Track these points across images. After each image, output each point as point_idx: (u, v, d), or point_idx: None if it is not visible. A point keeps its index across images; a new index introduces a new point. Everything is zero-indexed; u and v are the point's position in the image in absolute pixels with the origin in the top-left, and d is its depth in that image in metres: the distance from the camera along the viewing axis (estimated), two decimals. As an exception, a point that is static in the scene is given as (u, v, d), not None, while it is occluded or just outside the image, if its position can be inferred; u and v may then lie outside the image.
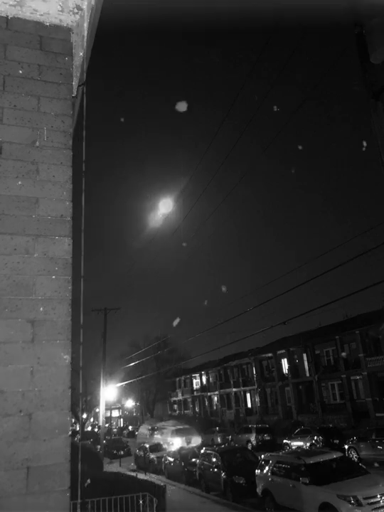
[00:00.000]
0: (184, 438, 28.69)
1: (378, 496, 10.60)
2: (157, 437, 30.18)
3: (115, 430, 61.41)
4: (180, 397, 65.79)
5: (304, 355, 42.89)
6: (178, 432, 29.68)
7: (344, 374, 38.04)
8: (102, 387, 30.74)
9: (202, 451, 19.54)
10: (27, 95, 2.03)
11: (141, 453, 27.45)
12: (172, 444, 27.63)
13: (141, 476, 18.86)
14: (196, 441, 29.14)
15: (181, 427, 31.86)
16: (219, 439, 34.62)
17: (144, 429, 35.11)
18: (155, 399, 61.52)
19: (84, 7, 2.11)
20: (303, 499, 11.71)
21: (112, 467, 26.88)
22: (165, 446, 27.35)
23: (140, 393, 62.45)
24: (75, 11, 2.15)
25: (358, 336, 36.78)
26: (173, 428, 30.78)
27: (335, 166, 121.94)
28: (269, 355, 47.11)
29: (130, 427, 62.56)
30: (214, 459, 17.46)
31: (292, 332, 46.72)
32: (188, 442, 28.02)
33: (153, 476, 22.62)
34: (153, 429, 32.45)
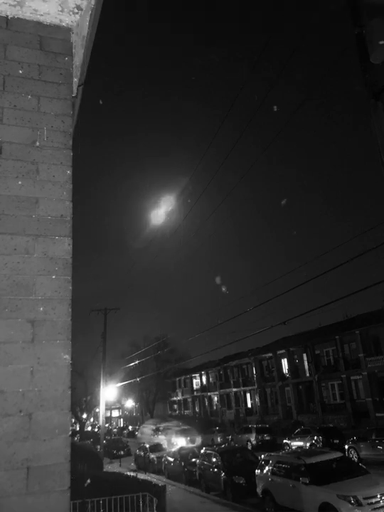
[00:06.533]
0: (188, 438, 30.98)
1: (378, 496, 10.60)
2: (161, 438, 30.84)
3: (115, 430, 61.38)
4: (180, 397, 65.77)
5: (304, 355, 42.89)
6: (182, 433, 31.81)
7: (344, 374, 38.04)
8: (102, 387, 30.74)
9: (202, 451, 19.54)
10: (27, 95, 2.03)
11: (141, 453, 27.49)
12: (176, 443, 28.73)
13: (141, 476, 18.85)
14: (198, 440, 31.36)
15: (186, 427, 33.99)
16: (219, 439, 34.64)
17: (147, 429, 35.91)
18: (155, 399, 61.50)
19: (84, 7, 2.11)
20: (303, 499, 11.71)
21: (112, 467, 26.90)
22: (165, 446, 27.84)
23: (140, 393, 62.43)
24: (75, 11, 2.14)
25: (357, 336, 36.77)
26: (178, 429, 32.77)
27: (335, 166, 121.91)
28: (269, 355, 47.09)
29: (130, 427, 62.55)
30: (214, 459, 17.46)
31: (292, 332, 46.79)
32: (193, 442, 30.26)
33: (153, 476, 22.62)
34: (157, 430, 33.60)
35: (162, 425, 34.95)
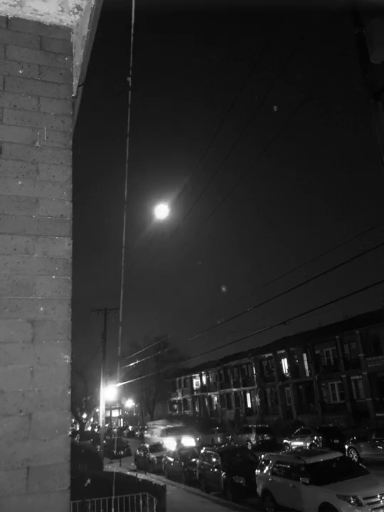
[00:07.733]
0: (198, 438, 34.02)
1: (378, 496, 10.59)
2: (170, 438, 32.02)
3: (115, 430, 61.34)
4: (180, 397, 65.76)
5: (304, 355, 42.88)
6: (190, 433, 34.76)
7: (344, 374, 38.03)
8: (102, 387, 30.74)
9: (202, 451, 19.53)
10: (27, 95, 2.03)
11: (141, 453, 27.49)
12: (185, 444, 30.05)
13: (141, 476, 18.86)
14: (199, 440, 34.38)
15: (191, 428, 37.91)
16: (219, 439, 34.67)
17: (157, 430, 37.85)
18: (155, 399, 61.51)
19: (84, 7, 2.11)
20: (303, 499, 11.70)
21: (112, 467, 26.90)
22: (168, 445, 28.25)
23: (140, 393, 62.40)
24: (75, 11, 2.14)
25: (357, 336, 36.76)
26: (187, 429, 36.51)
27: (335, 166, 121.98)
28: (269, 355, 47.08)
29: (130, 427, 62.54)
30: (214, 459, 17.46)
31: (292, 332, 46.77)
32: (201, 442, 32.94)
33: (153, 476, 22.61)
34: (167, 430, 35.75)
35: (172, 426, 37.76)
